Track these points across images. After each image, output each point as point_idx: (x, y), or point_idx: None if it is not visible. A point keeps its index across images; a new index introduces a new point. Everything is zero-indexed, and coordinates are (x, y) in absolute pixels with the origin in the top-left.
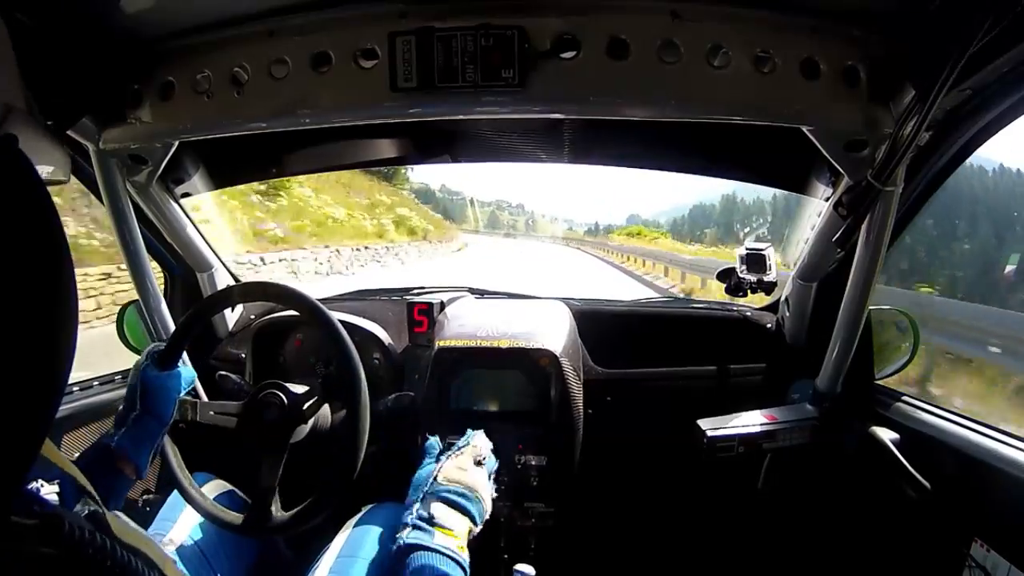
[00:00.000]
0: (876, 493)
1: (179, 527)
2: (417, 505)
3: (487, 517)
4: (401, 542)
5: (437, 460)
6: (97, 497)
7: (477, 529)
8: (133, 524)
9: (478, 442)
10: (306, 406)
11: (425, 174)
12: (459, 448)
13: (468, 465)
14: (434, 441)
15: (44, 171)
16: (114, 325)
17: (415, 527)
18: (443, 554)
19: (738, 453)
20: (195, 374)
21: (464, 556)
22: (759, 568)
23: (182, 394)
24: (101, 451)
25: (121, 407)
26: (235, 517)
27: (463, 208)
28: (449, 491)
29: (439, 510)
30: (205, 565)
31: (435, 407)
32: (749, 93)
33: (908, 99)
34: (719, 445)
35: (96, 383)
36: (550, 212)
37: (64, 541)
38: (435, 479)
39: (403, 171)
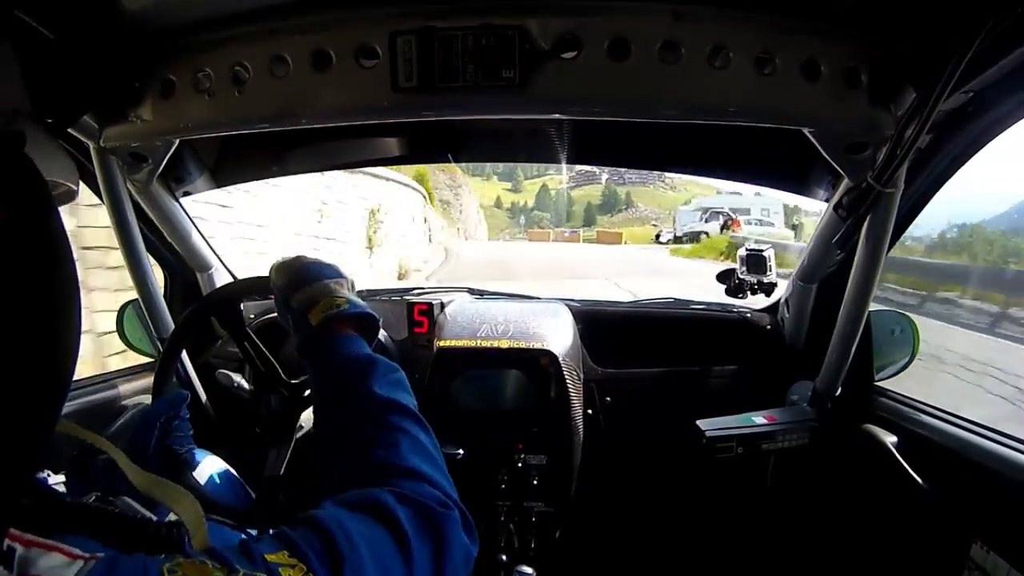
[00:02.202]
0: (875, 495)
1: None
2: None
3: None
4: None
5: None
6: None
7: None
8: (170, 483)
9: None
10: (307, 392)
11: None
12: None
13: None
14: None
15: (50, 178)
16: None
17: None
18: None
19: (737, 454)
20: (186, 395)
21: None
22: (758, 569)
23: (181, 414)
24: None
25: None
26: (238, 505)
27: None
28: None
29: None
30: None
31: (436, 407)
32: (750, 94)
33: (909, 101)
34: (718, 446)
35: (96, 382)
36: None
37: (61, 525)
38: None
39: None
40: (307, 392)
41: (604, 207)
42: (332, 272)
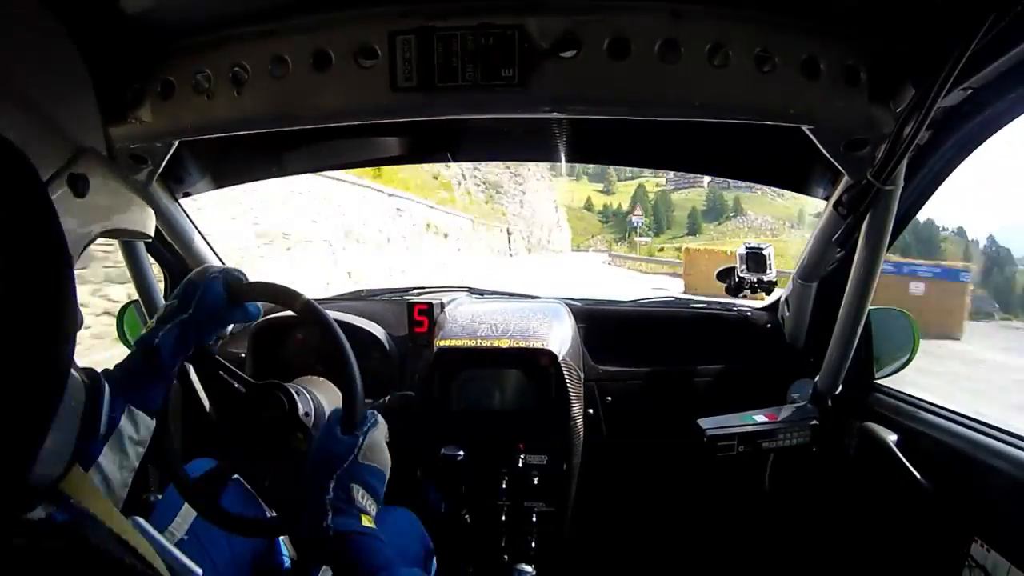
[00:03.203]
0: (876, 493)
1: (180, 519)
2: (332, 484)
3: None
4: (329, 528)
5: (349, 432)
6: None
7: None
8: (128, 524)
9: (382, 419)
10: (305, 414)
11: None
12: (374, 424)
13: (383, 444)
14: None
15: (122, 226)
16: None
17: (338, 511)
18: (375, 537)
19: (738, 452)
20: (259, 311)
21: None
22: (760, 567)
23: (231, 329)
24: (145, 349)
25: (170, 304)
26: (229, 515)
27: None
28: (370, 473)
29: (359, 493)
30: (206, 557)
31: (436, 407)
32: (750, 93)
33: (908, 98)
34: (719, 444)
35: None
36: None
37: (77, 539)
38: (355, 458)
39: None
40: (307, 414)
41: (710, 214)
42: (380, 498)
